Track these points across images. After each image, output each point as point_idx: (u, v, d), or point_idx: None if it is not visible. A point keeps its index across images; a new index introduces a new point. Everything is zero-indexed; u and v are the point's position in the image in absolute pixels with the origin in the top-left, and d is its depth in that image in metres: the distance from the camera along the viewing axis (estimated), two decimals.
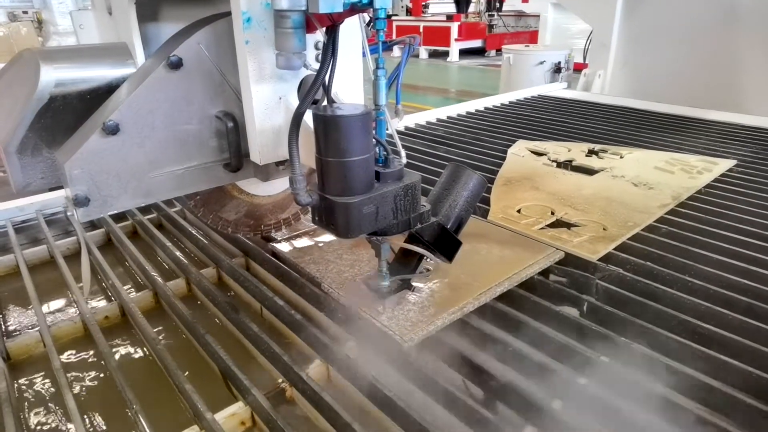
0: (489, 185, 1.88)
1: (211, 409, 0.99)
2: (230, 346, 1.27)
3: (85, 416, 1.08)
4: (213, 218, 1.40)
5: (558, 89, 3.88)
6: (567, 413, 0.96)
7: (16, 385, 1.17)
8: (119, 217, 1.89)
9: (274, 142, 1.13)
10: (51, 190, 1.17)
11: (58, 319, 1.39)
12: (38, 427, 1.07)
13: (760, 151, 2.33)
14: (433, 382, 1.03)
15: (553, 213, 1.68)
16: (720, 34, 3.29)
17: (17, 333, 1.36)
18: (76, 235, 1.78)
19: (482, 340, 1.17)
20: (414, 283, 1.21)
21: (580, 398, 0.99)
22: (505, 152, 2.34)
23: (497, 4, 11.69)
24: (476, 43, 11.67)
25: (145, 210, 1.96)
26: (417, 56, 11.59)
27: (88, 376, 1.21)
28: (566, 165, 2.17)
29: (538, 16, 9.52)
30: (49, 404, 1.12)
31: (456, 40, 11.21)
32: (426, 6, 12.69)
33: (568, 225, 1.60)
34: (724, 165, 2.12)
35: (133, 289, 1.56)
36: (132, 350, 1.29)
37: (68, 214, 1.07)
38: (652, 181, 1.94)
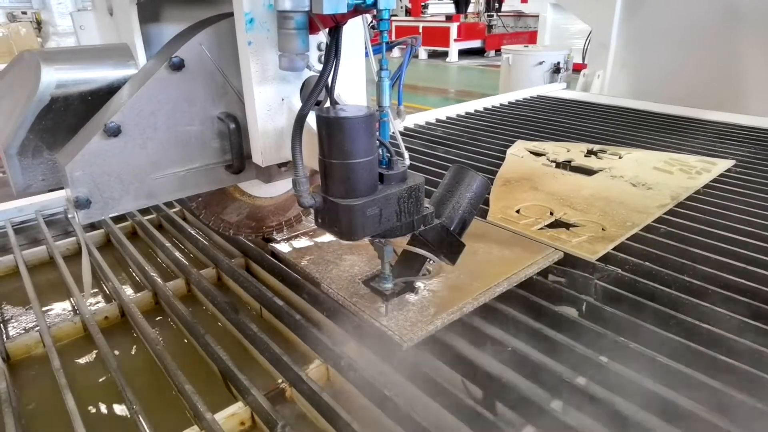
0: None
1: (210, 409, 0.99)
2: (230, 346, 1.27)
3: (85, 417, 1.08)
4: (215, 220, 1.40)
5: (557, 89, 3.89)
6: (566, 413, 0.96)
7: (15, 386, 1.17)
8: (119, 218, 1.89)
9: (276, 144, 1.13)
10: (50, 190, 1.16)
11: (57, 320, 1.39)
12: (38, 428, 1.07)
13: (758, 152, 2.33)
14: (433, 382, 1.04)
15: (552, 213, 1.68)
16: (719, 34, 3.30)
17: (17, 333, 1.36)
18: (75, 236, 1.78)
19: (481, 340, 1.17)
20: (416, 285, 1.21)
21: (580, 398, 1.00)
22: (504, 152, 2.35)
23: (496, 5, 11.69)
24: (475, 44, 11.69)
25: (144, 210, 1.96)
26: (416, 57, 11.60)
27: (88, 376, 1.21)
28: (565, 165, 2.17)
29: (537, 16, 9.54)
30: (49, 405, 1.12)
31: (455, 40, 11.22)
32: (425, 6, 12.70)
33: (567, 225, 1.60)
34: (722, 165, 2.12)
35: (132, 290, 1.56)
36: (132, 351, 1.29)
37: (69, 216, 1.07)
38: (650, 182, 1.94)
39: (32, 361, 1.26)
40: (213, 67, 1.09)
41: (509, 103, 3.48)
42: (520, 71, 5.33)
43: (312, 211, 0.98)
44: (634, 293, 1.27)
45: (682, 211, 1.72)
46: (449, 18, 11.52)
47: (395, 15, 12.36)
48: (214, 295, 1.38)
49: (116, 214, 1.16)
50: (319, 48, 1.08)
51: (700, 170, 2.07)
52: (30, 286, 1.44)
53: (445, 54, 11.37)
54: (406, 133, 2.74)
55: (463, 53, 11.49)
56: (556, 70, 5.16)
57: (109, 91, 1.12)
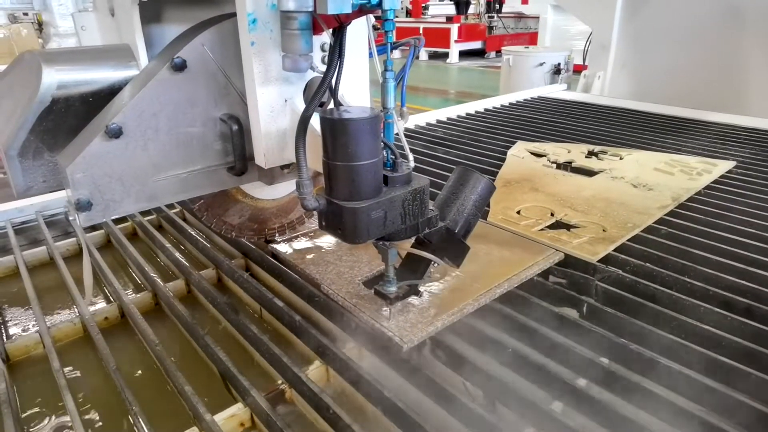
0: None
1: (210, 410, 0.99)
2: (230, 347, 1.27)
3: (85, 417, 1.08)
4: (217, 222, 1.39)
5: (558, 91, 3.89)
6: (567, 414, 0.96)
7: (15, 386, 1.17)
8: (119, 219, 1.89)
9: (279, 146, 1.12)
10: (51, 191, 1.16)
11: (57, 321, 1.39)
12: (38, 429, 1.07)
13: (759, 153, 2.33)
14: (433, 384, 1.03)
15: (552, 214, 1.68)
16: (720, 34, 3.29)
17: (17, 334, 1.36)
18: (75, 236, 1.78)
19: (482, 342, 1.17)
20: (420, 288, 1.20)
21: (580, 400, 0.99)
22: (505, 153, 2.35)
23: (497, 6, 11.70)
24: (476, 45, 11.68)
25: (144, 211, 1.96)
26: (417, 58, 11.59)
27: (88, 377, 1.21)
28: (566, 166, 2.17)
29: (538, 17, 9.54)
30: (49, 405, 1.12)
31: (456, 41, 11.22)
32: (426, 7, 12.70)
33: (567, 226, 1.60)
34: (723, 166, 2.12)
35: (132, 291, 1.56)
36: (131, 351, 1.29)
37: (70, 218, 1.07)
38: (651, 183, 1.94)
39: (32, 362, 1.26)
40: (215, 68, 1.09)
41: (510, 104, 3.48)
42: (521, 72, 5.33)
43: (315, 213, 0.97)
44: (634, 294, 1.27)
45: (683, 212, 1.72)
46: (450, 19, 11.52)
47: (396, 16, 12.37)
48: (214, 296, 1.37)
49: (117, 216, 1.15)
50: (322, 49, 1.08)
51: (701, 171, 2.06)
52: (30, 286, 1.44)
53: (446, 55, 11.37)
54: (407, 134, 2.74)
55: (464, 54, 11.49)
56: (557, 71, 5.16)
57: (111, 92, 1.12)
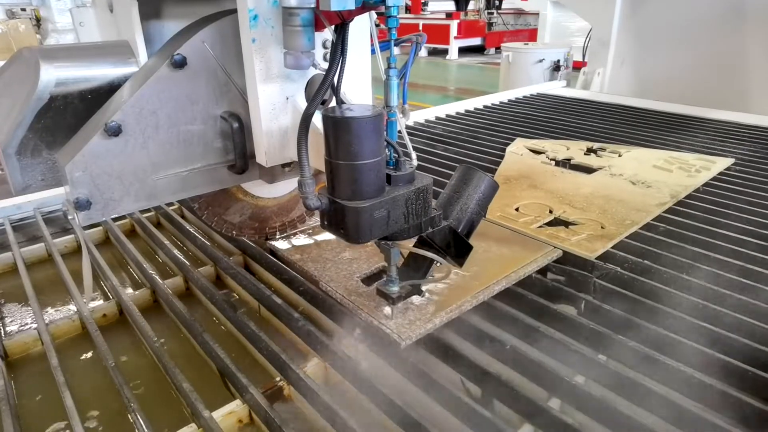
0: None
1: (208, 407, 0.99)
2: (228, 344, 1.27)
3: (83, 414, 1.08)
4: (217, 221, 1.39)
5: (557, 87, 3.88)
6: (564, 412, 0.96)
7: (13, 384, 1.17)
8: (117, 216, 1.88)
9: (280, 144, 1.11)
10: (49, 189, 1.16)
11: (56, 318, 1.39)
12: (36, 426, 1.07)
13: (758, 150, 2.33)
14: (431, 380, 1.04)
15: (551, 211, 1.68)
16: (722, 32, 3.28)
17: (15, 331, 1.36)
18: (73, 233, 1.78)
19: (480, 339, 1.17)
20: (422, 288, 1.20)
21: (578, 397, 1.00)
22: (504, 150, 2.34)
23: (496, 2, 11.68)
24: (475, 41, 11.67)
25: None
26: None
27: (86, 374, 1.21)
28: (565, 163, 2.17)
29: (538, 14, 9.52)
30: (48, 402, 1.12)
31: (455, 37, 11.20)
32: (425, 4, 12.67)
33: (566, 223, 1.60)
34: (722, 163, 2.12)
35: (131, 288, 1.56)
36: (130, 348, 1.29)
37: (69, 217, 1.06)
38: (650, 180, 1.94)
39: (30, 359, 1.26)
40: (216, 65, 1.08)
41: (509, 101, 3.48)
42: (520, 69, 5.32)
43: (317, 212, 0.96)
44: (632, 291, 1.27)
45: (681, 209, 1.72)
46: (449, 15, 11.51)
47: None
48: (213, 293, 1.37)
49: (117, 215, 1.15)
50: (324, 45, 1.06)
51: (700, 168, 2.06)
52: (28, 283, 1.44)
53: (445, 51, 11.35)
54: (407, 132, 2.73)
55: (463, 51, 11.47)
56: (556, 67, 5.15)
57: (110, 89, 1.11)
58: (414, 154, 0.98)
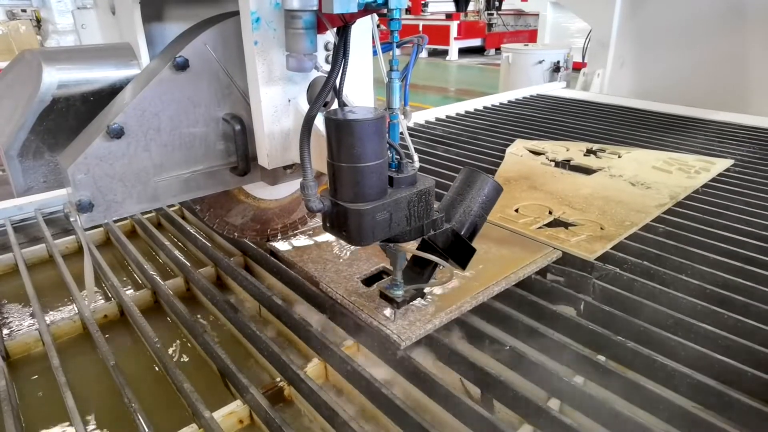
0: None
1: (209, 407, 1.00)
2: (228, 344, 1.28)
3: (84, 415, 1.08)
4: (219, 223, 1.39)
5: (557, 88, 3.89)
6: (564, 412, 0.97)
7: (15, 384, 1.17)
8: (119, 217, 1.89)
9: (282, 146, 1.11)
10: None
11: (57, 318, 1.40)
12: (37, 426, 1.07)
13: (757, 151, 2.33)
14: (431, 381, 1.04)
15: (550, 212, 1.68)
16: (721, 33, 3.28)
17: (16, 332, 1.36)
18: (75, 234, 1.79)
19: (480, 340, 1.18)
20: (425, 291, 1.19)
21: (577, 397, 1.00)
22: (504, 151, 2.35)
23: (496, 3, 11.68)
24: (475, 42, 11.67)
25: None
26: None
27: (87, 374, 1.21)
28: (564, 164, 2.18)
29: (538, 15, 9.52)
30: (49, 403, 1.13)
31: (455, 38, 11.21)
32: (425, 5, 12.67)
33: (565, 224, 1.61)
34: (721, 165, 2.13)
35: (131, 288, 1.56)
36: (131, 349, 1.30)
37: (71, 219, 1.06)
38: (649, 181, 1.94)
39: (31, 360, 1.27)
40: (218, 68, 1.08)
41: (509, 102, 3.48)
42: (520, 70, 5.32)
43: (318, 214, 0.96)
44: (632, 293, 1.27)
45: (680, 210, 1.72)
46: (449, 16, 11.51)
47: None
48: (213, 294, 1.38)
49: (119, 217, 1.15)
50: (326, 48, 1.06)
51: (699, 170, 2.07)
52: (29, 284, 1.44)
53: (445, 52, 11.36)
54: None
55: (463, 51, 11.48)
56: (556, 68, 5.16)
57: (112, 91, 1.11)
58: (416, 156, 0.98)
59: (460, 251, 1.07)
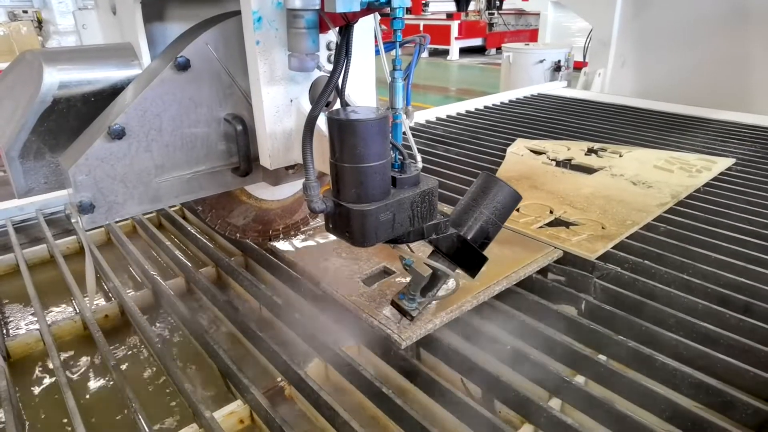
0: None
1: (209, 407, 1.00)
2: (229, 344, 1.28)
3: (85, 414, 1.08)
4: (221, 224, 1.38)
5: (558, 88, 3.88)
6: (565, 411, 0.96)
7: (16, 384, 1.17)
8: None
9: (284, 146, 1.11)
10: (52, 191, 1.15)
11: (57, 318, 1.40)
12: (38, 426, 1.07)
13: (759, 150, 2.33)
14: (432, 381, 1.04)
15: (551, 212, 1.68)
16: (723, 32, 3.27)
17: (17, 332, 1.36)
18: (76, 235, 1.79)
19: (480, 339, 1.17)
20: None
21: (578, 397, 1.00)
22: (505, 151, 2.35)
23: (497, 3, 11.66)
24: (476, 42, 11.65)
25: None
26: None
27: (88, 374, 1.21)
28: (565, 164, 2.17)
29: (538, 14, 9.51)
30: (49, 402, 1.13)
31: (456, 38, 11.19)
32: (426, 4, 12.66)
33: (566, 224, 1.60)
34: (723, 164, 2.12)
35: (132, 288, 1.56)
36: (131, 349, 1.30)
37: (73, 221, 1.06)
38: (651, 180, 1.94)
39: (32, 360, 1.27)
40: (219, 68, 1.08)
41: (510, 101, 3.48)
42: (521, 69, 5.32)
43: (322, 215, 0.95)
44: (633, 292, 1.27)
45: (682, 209, 1.72)
46: (450, 16, 11.49)
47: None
48: (214, 294, 1.38)
49: (120, 218, 1.14)
50: (328, 47, 1.06)
51: (701, 169, 2.06)
52: (30, 284, 1.45)
53: (446, 52, 11.35)
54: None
55: (464, 51, 11.46)
56: (557, 68, 5.15)
57: (113, 92, 1.11)
58: (419, 157, 0.97)
59: (469, 258, 1.04)
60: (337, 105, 0.99)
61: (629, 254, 1.42)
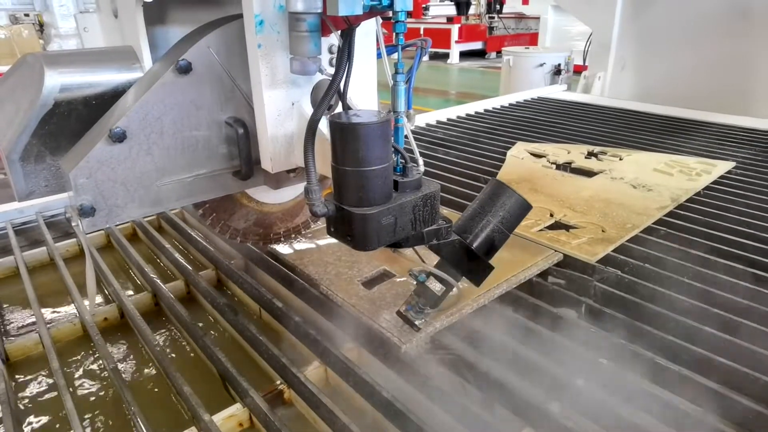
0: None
1: (208, 410, 1.00)
2: (228, 347, 1.28)
3: (84, 417, 1.08)
4: (222, 227, 1.38)
5: (558, 91, 3.89)
6: (565, 414, 0.96)
7: (14, 386, 1.17)
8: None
9: (286, 150, 1.11)
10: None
11: (57, 321, 1.39)
12: (37, 428, 1.07)
13: (759, 153, 2.33)
14: (432, 384, 1.04)
15: (552, 215, 1.68)
16: (723, 35, 3.27)
17: (16, 334, 1.36)
18: (75, 237, 1.79)
19: (481, 342, 1.17)
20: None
21: (578, 400, 1.00)
22: (505, 154, 2.35)
23: (497, 6, 11.69)
24: (476, 45, 11.68)
25: None
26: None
27: (87, 377, 1.21)
28: (565, 167, 2.17)
29: (539, 18, 9.54)
30: (48, 405, 1.12)
31: (456, 42, 11.22)
32: (426, 8, 12.69)
33: (566, 227, 1.60)
34: (723, 167, 2.12)
35: (132, 291, 1.56)
36: (130, 352, 1.29)
37: (73, 224, 1.05)
38: (651, 183, 1.94)
39: (31, 362, 1.26)
40: (221, 71, 1.08)
41: (510, 104, 3.48)
42: (521, 73, 5.32)
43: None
44: (633, 295, 1.27)
45: (682, 213, 1.72)
46: (450, 20, 11.52)
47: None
48: (214, 297, 1.38)
49: (121, 222, 1.14)
50: (330, 50, 1.06)
51: (700, 172, 2.06)
52: (30, 287, 1.45)
53: (446, 55, 11.37)
54: None
55: (464, 55, 11.49)
56: (557, 71, 5.15)
57: (114, 95, 1.11)
58: (421, 160, 0.97)
59: (474, 267, 1.03)
60: (339, 108, 0.99)
61: (629, 257, 1.42)
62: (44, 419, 1.09)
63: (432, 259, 1.05)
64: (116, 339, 1.33)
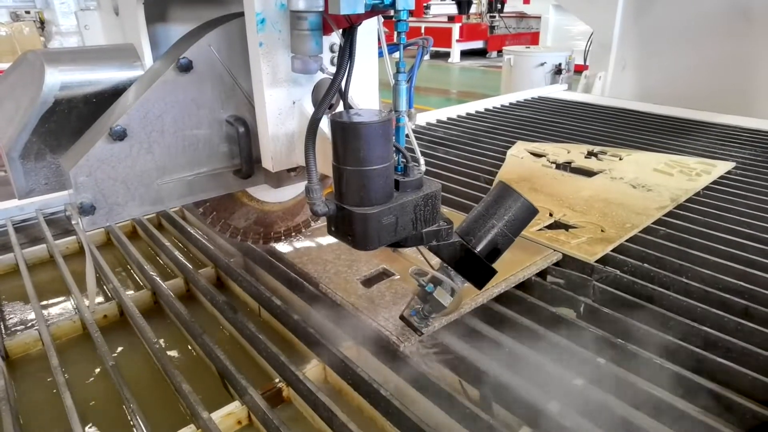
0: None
1: (207, 408, 1.00)
2: (228, 345, 1.28)
3: (83, 415, 1.08)
4: (222, 226, 1.38)
5: (558, 91, 3.89)
6: (563, 414, 0.96)
7: (14, 384, 1.17)
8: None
9: (287, 149, 1.10)
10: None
11: (56, 318, 1.40)
12: (36, 426, 1.07)
13: (759, 154, 2.33)
14: (430, 383, 1.04)
15: (551, 214, 1.68)
16: (724, 35, 3.27)
17: (16, 331, 1.36)
18: (75, 235, 1.79)
19: (479, 341, 1.17)
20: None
21: (577, 399, 1.00)
22: (505, 153, 2.35)
23: (499, 6, 11.67)
24: (478, 44, 11.67)
25: None
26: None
27: (86, 374, 1.21)
28: (565, 166, 2.17)
29: (540, 17, 9.53)
30: (47, 403, 1.13)
31: (457, 41, 11.21)
32: (427, 7, 12.68)
33: (566, 226, 1.60)
34: (722, 167, 2.12)
35: (131, 289, 1.57)
36: (130, 349, 1.30)
37: (73, 222, 1.05)
38: (650, 183, 1.94)
39: (31, 359, 1.27)
40: (222, 69, 1.07)
41: (510, 104, 3.48)
42: (522, 72, 5.32)
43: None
44: (632, 295, 1.27)
45: (681, 213, 1.72)
46: (451, 19, 11.51)
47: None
48: (213, 295, 1.38)
49: (121, 220, 1.14)
50: (331, 49, 1.06)
51: (700, 172, 2.06)
52: (30, 284, 1.45)
53: (447, 54, 11.36)
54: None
55: (465, 54, 11.48)
56: (558, 71, 5.14)
57: (115, 93, 1.10)
58: (422, 160, 0.97)
59: (477, 270, 1.02)
60: (340, 107, 0.99)
61: (628, 257, 1.42)
62: (44, 416, 1.10)
63: (436, 259, 1.05)
64: (116, 336, 1.34)
